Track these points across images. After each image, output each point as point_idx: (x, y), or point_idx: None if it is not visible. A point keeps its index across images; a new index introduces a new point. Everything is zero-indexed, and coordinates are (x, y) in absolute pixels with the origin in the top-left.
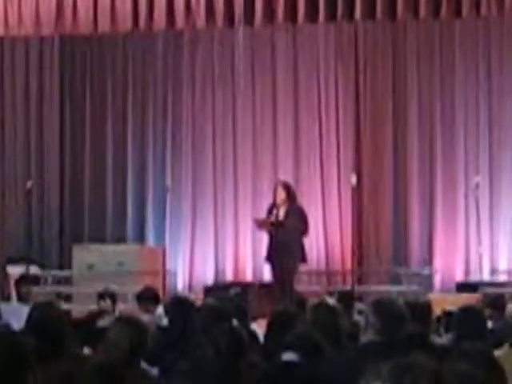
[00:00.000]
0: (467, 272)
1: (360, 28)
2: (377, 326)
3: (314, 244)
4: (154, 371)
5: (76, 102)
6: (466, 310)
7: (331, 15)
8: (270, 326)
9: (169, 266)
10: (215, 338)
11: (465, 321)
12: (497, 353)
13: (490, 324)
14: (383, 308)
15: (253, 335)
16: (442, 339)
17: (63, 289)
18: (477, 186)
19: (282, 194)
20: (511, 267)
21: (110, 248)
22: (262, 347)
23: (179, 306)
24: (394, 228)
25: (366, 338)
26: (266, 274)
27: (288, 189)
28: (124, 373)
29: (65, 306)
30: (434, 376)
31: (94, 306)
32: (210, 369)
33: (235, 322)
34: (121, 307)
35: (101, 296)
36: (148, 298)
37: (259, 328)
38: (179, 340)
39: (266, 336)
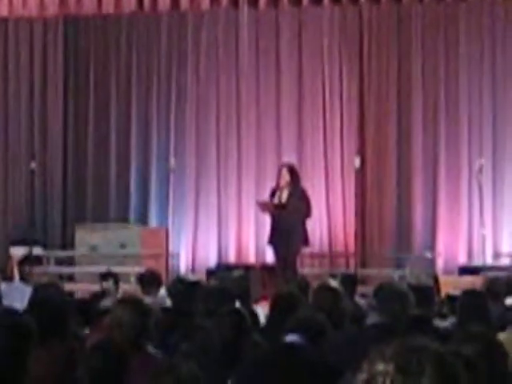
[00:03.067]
0: (470, 256)
1: (365, 11)
2: (377, 308)
3: (317, 227)
4: (158, 352)
5: (80, 83)
6: (469, 294)
7: None
8: (272, 308)
9: (171, 247)
10: (218, 320)
11: (467, 304)
12: (500, 336)
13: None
14: (384, 291)
15: (255, 317)
16: (445, 322)
17: (66, 269)
18: (480, 169)
19: (286, 177)
20: None
21: (112, 229)
22: (264, 329)
23: (182, 287)
24: (397, 211)
25: (369, 320)
26: (269, 257)
27: (292, 171)
28: (128, 353)
29: (67, 286)
30: (439, 357)
31: (96, 287)
32: (214, 350)
33: (238, 303)
34: (123, 288)
35: (103, 277)
36: (150, 280)
37: (262, 310)
38: (182, 321)
39: (269, 318)
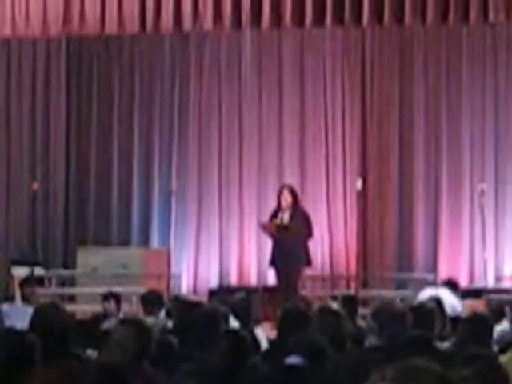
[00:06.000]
0: (472, 278)
1: (367, 33)
2: (376, 329)
3: (318, 248)
4: (158, 373)
5: (82, 103)
6: (474, 318)
7: (339, 19)
8: (280, 327)
9: (173, 268)
10: (218, 341)
11: (471, 327)
12: (502, 358)
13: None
14: (381, 312)
15: (255, 340)
16: (445, 344)
17: (67, 290)
18: (482, 192)
19: (288, 199)
20: None
21: (114, 250)
22: (269, 350)
23: (180, 307)
24: (398, 233)
25: (369, 342)
26: (271, 279)
27: (294, 193)
28: (128, 374)
29: (69, 307)
30: (440, 379)
31: (98, 308)
32: (213, 371)
33: (234, 323)
34: (125, 309)
35: (105, 298)
36: (152, 300)
37: (263, 332)
38: (182, 342)
39: (277, 337)
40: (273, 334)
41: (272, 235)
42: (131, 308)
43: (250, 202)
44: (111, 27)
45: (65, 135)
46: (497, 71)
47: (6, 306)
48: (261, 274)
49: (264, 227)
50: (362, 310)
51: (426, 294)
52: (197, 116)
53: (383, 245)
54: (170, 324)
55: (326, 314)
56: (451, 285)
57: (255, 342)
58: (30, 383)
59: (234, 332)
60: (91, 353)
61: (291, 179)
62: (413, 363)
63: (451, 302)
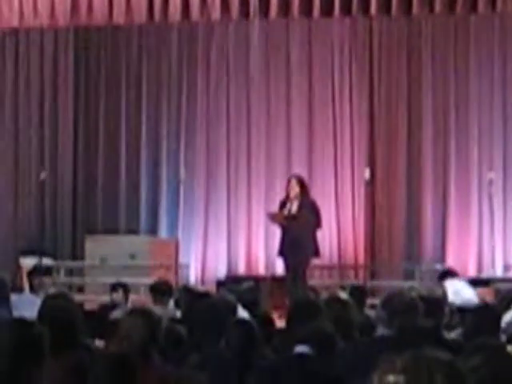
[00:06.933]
0: (480, 268)
1: (375, 23)
2: (385, 319)
3: (326, 238)
4: (167, 364)
5: (90, 93)
6: (482, 307)
7: (346, 10)
8: (290, 317)
9: (181, 258)
10: (227, 331)
11: (479, 317)
12: (510, 348)
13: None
14: (391, 301)
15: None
16: (452, 334)
17: (75, 280)
18: (490, 182)
19: (296, 188)
20: None
21: (122, 240)
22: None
23: (188, 297)
24: (406, 223)
25: (378, 332)
26: (279, 268)
27: (302, 183)
28: (137, 364)
29: (77, 297)
30: (450, 369)
31: (106, 298)
32: (223, 361)
33: (242, 313)
34: (133, 299)
35: (113, 288)
36: (162, 290)
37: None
38: (191, 332)
39: (287, 327)
40: (280, 323)
41: (281, 225)
42: (139, 298)
43: (259, 192)
44: (119, 17)
45: (73, 125)
46: (505, 61)
47: (14, 297)
48: (269, 264)
49: (272, 217)
50: (370, 300)
51: (449, 287)
52: (205, 106)
53: (391, 235)
54: (178, 314)
55: (334, 303)
56: (453, 274)
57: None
58: (38, 374)
59: (243, 322)
60: (99, 343)
61: (299, 169)
62: (423, 353)
63: (468, 294)
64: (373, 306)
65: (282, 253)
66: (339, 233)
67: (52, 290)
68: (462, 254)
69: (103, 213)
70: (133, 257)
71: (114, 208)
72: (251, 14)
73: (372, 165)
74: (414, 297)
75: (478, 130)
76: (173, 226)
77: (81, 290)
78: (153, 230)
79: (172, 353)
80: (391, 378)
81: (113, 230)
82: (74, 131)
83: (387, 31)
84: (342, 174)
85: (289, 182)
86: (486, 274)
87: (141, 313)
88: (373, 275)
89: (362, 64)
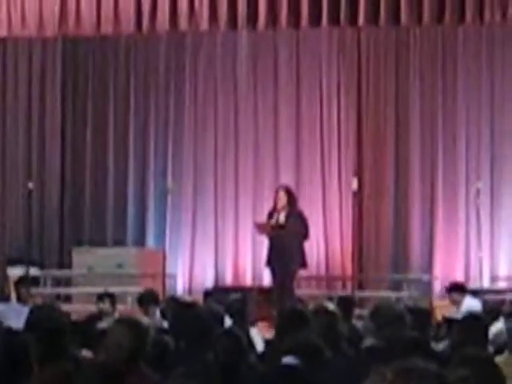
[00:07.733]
0: (467, 279)
1: (363, 33)
2: (373, 330)
3: (314, 249)
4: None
5: (78, 103)
6: (469, 318)
7: (334, 20)
8: (278, 327)
9: (168, 268)
10: (214, 341)
11: (467, 328)
12: (497, 359)
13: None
14: (378, 312)
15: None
16: (440, 345)
17: (63, 290)
18: (478, 192)
19: (283, 199)
20: (511, 274)
21: (109, 250)
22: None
23: (175, 307)
24: (394, 233)
25: (366, 343)
26: (266, 279)
27: (290, 193)
28: (124, 374)
29: (64, 307)
30: (438, 380)
31: (93, 308)
32: (210, 371)
33: (230, 324)
34: (120, 309)
35: (100, 298)
36: (149, 300)
37: (259, 333)
38: (177, 342)
39: (275, 337)
40: (268, 335)
41: (268, 235)
42: (126, 308)
43: (246, 202)
44: (107, 27)
45: (60, 135)
46: (493, 71)
47: (1, 306)
48: (256, 275)
49: (259, 228)
50: (357, 311)
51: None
52: (192, 115)
53: (379, 245)
54: (165, 324)
55: (321, 314)
56: (461, 288)
57: (250, 342)
58: (26, 383)
59: (230, 332)
60: (87, 353)
61: (287, 179)
62: (411, 364)
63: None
64: (360, 317)
65: (269, 263)
66: (327, 243)
67: (39, 300)
68: (449, 264)
69: (90, 223)
70: (120, 266)
71: (101, 218)
72: (239, 24)
73: (360, 175)
74: (402, 308)
75: (465, 139)
76: (160, 237)
77: (68, 299)
78: (140, 240)
79: (158, 363)
80: None
81: (100, 241)
82: (62, 141)
83: (375, 41)
84: (330, 183)
85: (276, 192)
86: (473, 285)
87: (128, 323)
88: (360, 286)
89: (350, 74)
